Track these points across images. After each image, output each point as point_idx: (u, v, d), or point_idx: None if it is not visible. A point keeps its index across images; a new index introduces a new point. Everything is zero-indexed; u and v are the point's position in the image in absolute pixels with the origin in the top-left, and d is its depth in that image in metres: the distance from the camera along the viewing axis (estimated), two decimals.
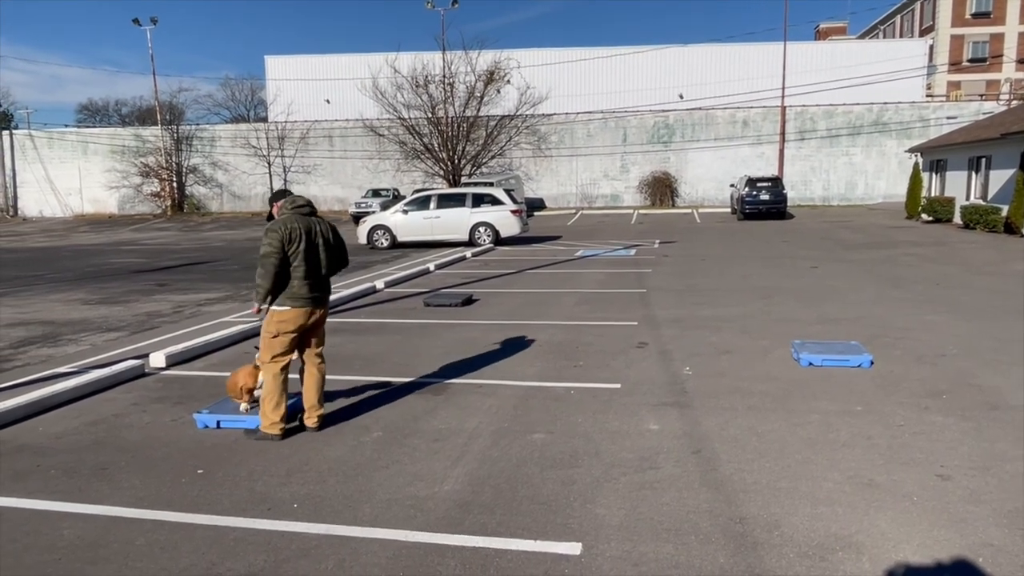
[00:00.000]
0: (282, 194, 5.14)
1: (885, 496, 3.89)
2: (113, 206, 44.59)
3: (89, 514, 3.88)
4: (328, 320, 9.47)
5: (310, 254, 4.91)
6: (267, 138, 42.57)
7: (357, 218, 28.90)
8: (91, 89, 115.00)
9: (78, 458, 4.70)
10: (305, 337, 5.10)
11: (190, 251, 22.09)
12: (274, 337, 4.92)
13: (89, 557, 3.43)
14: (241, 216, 41.44)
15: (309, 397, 5.10)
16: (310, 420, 5.11)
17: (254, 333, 8.54)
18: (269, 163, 42.84)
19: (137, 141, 43.98)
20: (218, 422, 5.20)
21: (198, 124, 46.51)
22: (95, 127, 54.13)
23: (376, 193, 36.39)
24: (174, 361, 7.17)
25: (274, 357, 4.93)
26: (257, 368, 5.26)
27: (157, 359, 7.06)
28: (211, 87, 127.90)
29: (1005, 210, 19.88)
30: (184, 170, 44.40)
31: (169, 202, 43.84)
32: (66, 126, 51.20)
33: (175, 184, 44.22)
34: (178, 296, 12.11)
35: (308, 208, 5.05)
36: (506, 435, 4.96)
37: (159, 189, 43.90)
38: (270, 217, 5.15)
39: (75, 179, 44.65)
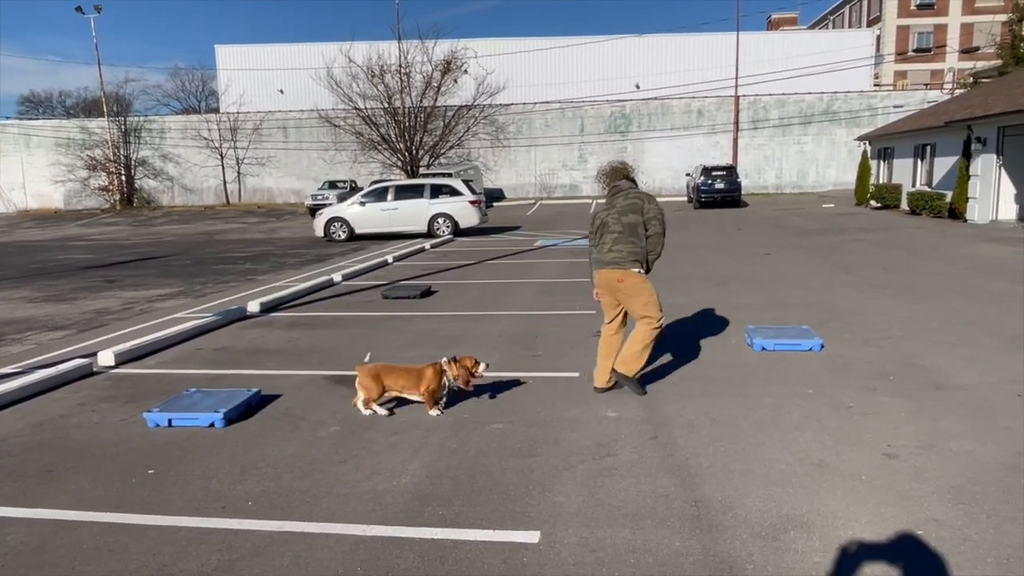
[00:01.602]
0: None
1: (835, 476, 3.99)
2: (59, 201, 43.20)
3: (34, 518, 3.76)
4: (284, 314, 9.38)
5: (603, 227, 5.59)
6: (219, 129, 41.71)
7: (313, 210, 28.49)
8: (33, 80, 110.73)
9: (23, 461, 4.55)
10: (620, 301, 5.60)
11: (141, 246, 21.52)
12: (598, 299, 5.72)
13: (34, 563, 3.32)
14: (193, 210, 40.49)
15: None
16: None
17: (208, 329, 8.38)
18: (222, 155, 41.99)
19: (83, 133, 42.66)
20: (170, 420, 5.08)
21: (147, 116, 45.25)
22: (38, 119, 52.19)
23: (333, 185, 35.92)
24: (124, 359, 6.98)
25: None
26: (443, 371, 5.14)
27: (106, 357, 6.87)
28: (160, 77, 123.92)
29: (949, 196, 20.52)
30: (133, 163, 43.22)
31: (118, 196, 42.65)
32: (7, 118, 49.32)
33: (124, 177, 43.02)
34: (128, 292, 11.80)
35: (616, 185, 5.80)
36: (465, 426, 4.95)
37: (107, 183, 42.68)
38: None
39: (17, 173, 43.12)
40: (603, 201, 5.76)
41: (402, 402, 5.39)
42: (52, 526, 3.67)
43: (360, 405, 5.23)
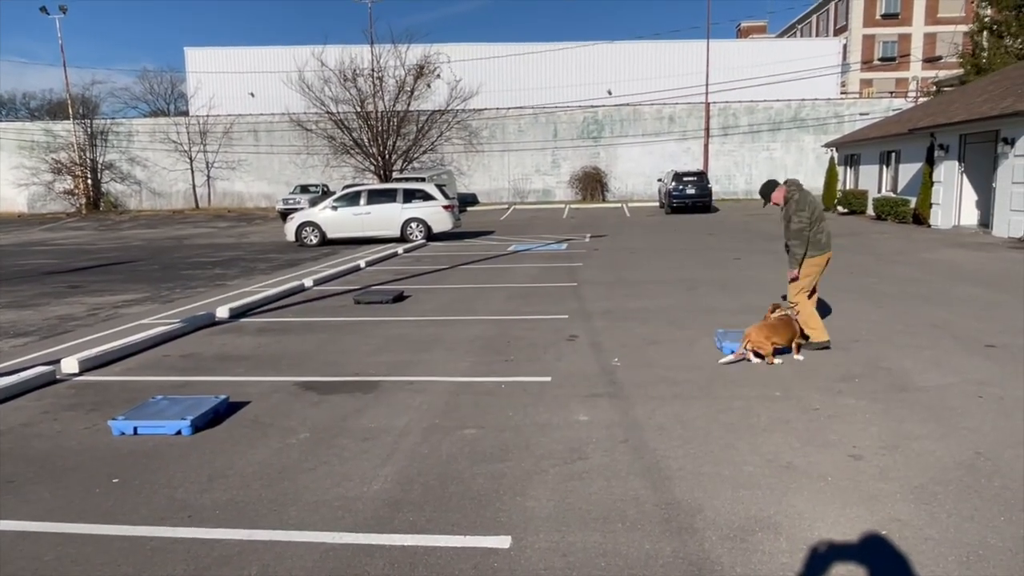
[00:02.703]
0: (775, 184, 7.00)
1: (802, 477, 4.05)
2: (22, 204, 42.25)
3: None
4: (253, 320, 9.29)
5: (822, 218, 6.89)
6: (188, 133, 41.14)
7: (285, 215, 28.18)
8: None
9: None
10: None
11: (107, 251, 21.13)
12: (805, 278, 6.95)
13: None
14: (162, 214, 39.85)
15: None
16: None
17: (176, 335, 8.25)
18: (191, 158, 41.44)
19: (48, 136, 41.77)
20: (135, 428, 4.99)
21: (114, 118, 44.49)
22: (0, 121, 51.06)
23: (304, 189, 35.60)
24: (88, 366, 6.85)
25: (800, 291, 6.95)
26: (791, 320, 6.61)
27: (70, 364, 6.73)
28: (128, 80, 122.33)
29: (913, 202, 20.94)
30: (99, 166, 42.41)
31: (84, 200, 41.82)
32: None
33: (90, 181, 42.19)
34: (93, 298, 11.57)
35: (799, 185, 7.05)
36: (436, 431, 4.94)
37: (72, 186, 41.80)
38: (767, 203, 7.11)
39: None
40: (805, 196, 6.88)
41: (374, 408, 5.35)
42: (12, 537, 3.59)
43: (752, 356, 6.39)
